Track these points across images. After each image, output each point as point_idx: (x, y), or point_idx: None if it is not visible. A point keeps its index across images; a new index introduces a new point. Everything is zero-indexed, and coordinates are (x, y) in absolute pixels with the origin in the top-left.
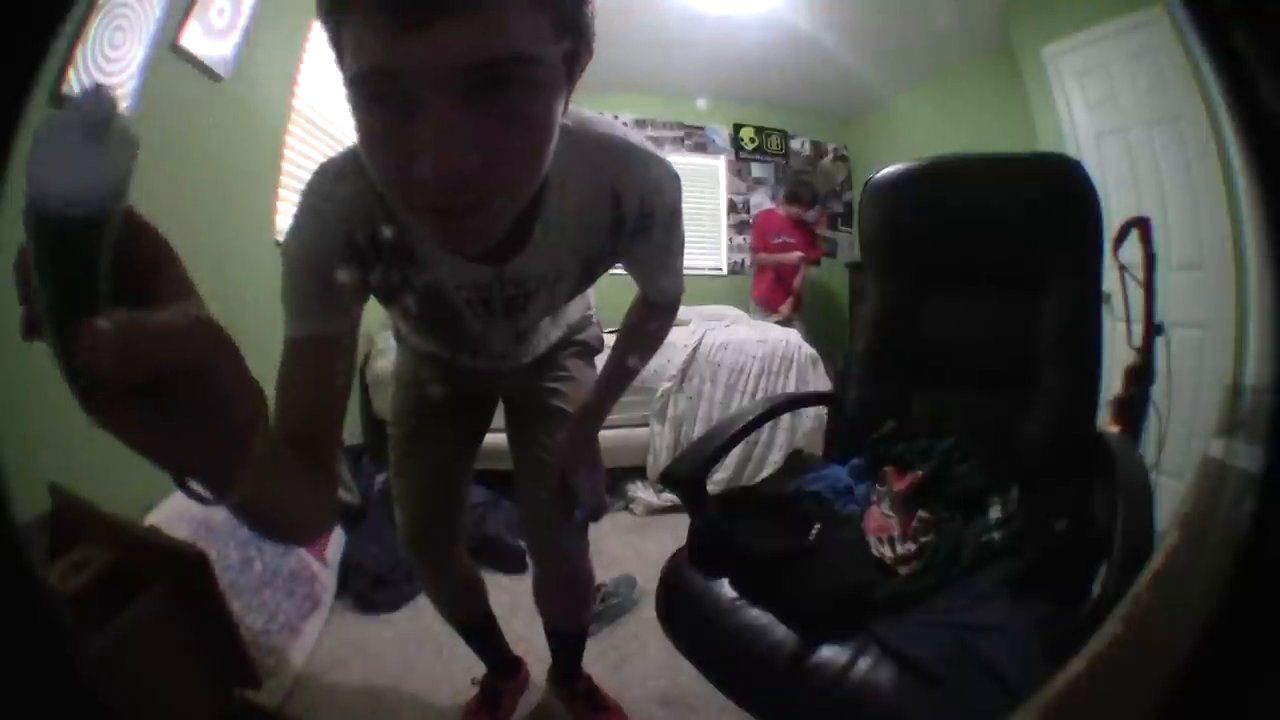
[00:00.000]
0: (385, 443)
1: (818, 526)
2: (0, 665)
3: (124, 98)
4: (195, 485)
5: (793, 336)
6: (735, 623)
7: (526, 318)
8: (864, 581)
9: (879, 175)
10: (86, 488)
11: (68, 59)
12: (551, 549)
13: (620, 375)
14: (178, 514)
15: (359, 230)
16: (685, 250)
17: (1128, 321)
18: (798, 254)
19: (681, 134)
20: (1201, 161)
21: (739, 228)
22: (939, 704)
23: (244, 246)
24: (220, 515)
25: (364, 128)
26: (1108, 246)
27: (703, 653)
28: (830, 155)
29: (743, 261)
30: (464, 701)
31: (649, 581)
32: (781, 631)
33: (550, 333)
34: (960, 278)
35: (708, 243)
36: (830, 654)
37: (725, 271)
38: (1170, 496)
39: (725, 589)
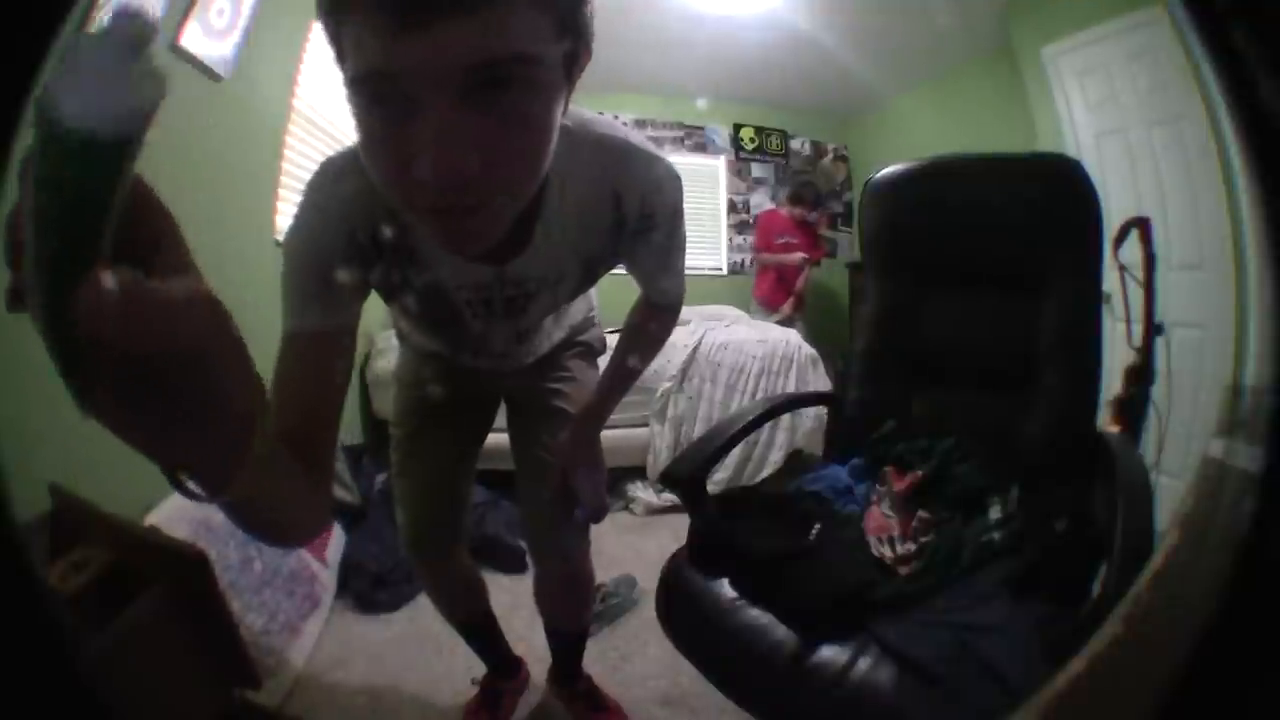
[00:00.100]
0: (385, 443)
1: (818, 526)
2: (0, 665)
3: None
4: (189, 482)
5: (793, 336)
6: (735, 623)
7: (527, 318)
8: (864, 581)
9: (879, 175)
10: (86, 488)
11: None
12: (552, 549)
13: (622, 376)
14: (178, 514)
15: (361, 227)
16: (687, 251)
17: (1128, 321)
18: (800, 255)
19: (681, 134)
20: (1201, 161)
21: (739, 228)
22: (939, 704)
23: (244, 246)
24: (220, 515)
25: (364, 128)
26: (1108, 246)
27: (703, 653)
28: (830, 155)
29: (743, 261)
30: (464, 701)
31: (649, 581)
32: (781, 631)
33: (553, 333)
34: (960, 278)
35: (708, 243)
36: (830, 654)
37: (725, 271)
38: (1170, 496)
39: (725, 589)
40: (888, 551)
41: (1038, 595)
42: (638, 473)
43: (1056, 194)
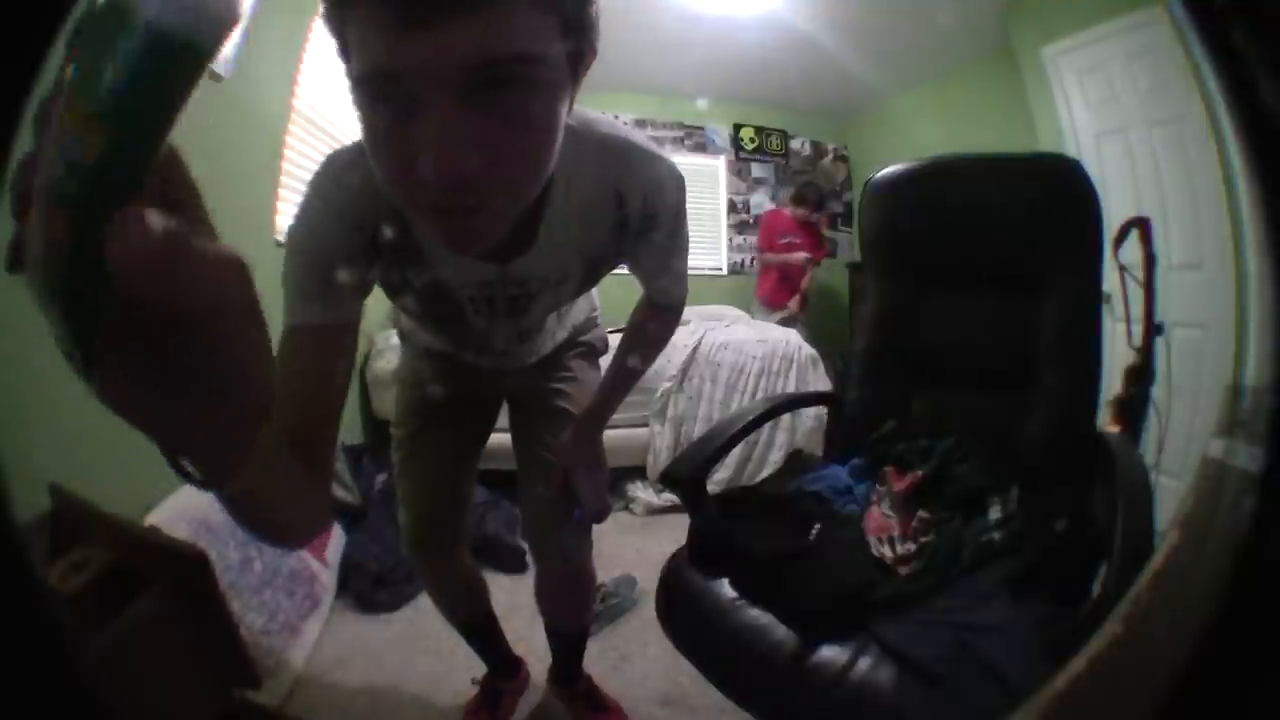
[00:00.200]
0: (385, 443)
1: (818, 526)
2: (0, 665)
3: None
4: (190, 467)
5: (793, 336)
6: (735, 623)
7: (529, 317)
8: (864, 581)
9: (879, 175)
10: (86, 488)
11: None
12: (554, 549)
13: (624, 376)
14: (178, 514)
15: (365, 221)
16: (689, 251)
17: (1128, 321)
18: (803, 254)
19: (681, 134)
20: (1201, 161)
21: (739, 228)
22: (939, 704)
23: (244, 246)
24: (220, 515)
25: (368, 127)
26: (1108, 246)
27: (703, 653)
28: (830, 155)
29: (743, 262)
30: (464, 701)
31: (649, 581)
32: (781, 631)
33: (555, 333)
34: (960, 278)
35: (708, 243)
36: (830, 654)
37: (725, 271)
38: (1170, 496)
39: (725, 589)
40: (888, 551)
41: (1038, 595)
42: (638, 473)
43: (1056, 194)
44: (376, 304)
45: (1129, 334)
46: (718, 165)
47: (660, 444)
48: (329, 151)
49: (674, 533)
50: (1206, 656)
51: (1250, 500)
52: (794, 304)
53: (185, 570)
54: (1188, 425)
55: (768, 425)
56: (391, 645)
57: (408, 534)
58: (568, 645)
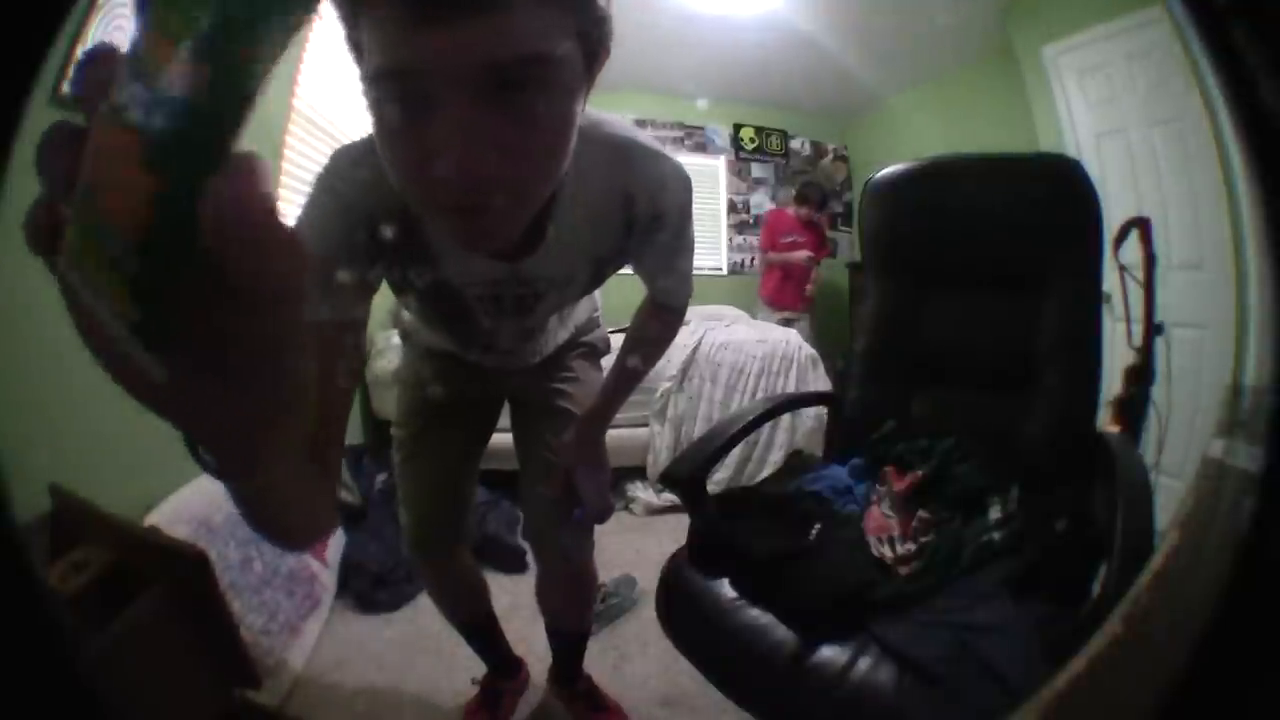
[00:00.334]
0: (386, 443)
1: (818, 526)
2: (0, 665)
3: None
4: (209, 456)
5: (793, 336)
6: (735, 623)
7: (534, 317)
8: (864, 581)
9: (879, 175)
10: (86, 488)
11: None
12: (556, 549)
13: (627, 377)
14: (178, 514)
15: (372, 219)
16: (695, 253)
17: (1128, 321)
18: (805, 252)
19: (681, 134)
20: (1201, 161)
21: (739, 228)
22: (939, 704)
23: None
24: (220, 515)
25: (381, 125)
26: (1108, 247)
27: (703, 653)
28: (830, 155)
29: (743, 262)
30: (464, 701)
31: (649, 581)
32: (781, 631)
33: (558, 334)
34: (960, 278)
35: (708, 243)
36: (830, 654)
37: (725, 271)
38: (1170, 496)
39: (725, 589)
40: (888, 551)
41: (1038, 595)
42: (638, 473)
43: (1056, 194)
44: (377, 304)
45: (1129, 334)
46: (718, 165)
47: (660, 444)
48: (330, 151)
49: (674, 533)
50: (1206, 656)
51: (1250, 500)
52: (802, 306)
53: (185, 570)
54: (1188, 425)
55: (768, 425)
56: (391, 645)
57: (409, 534)
58: (568, 645)
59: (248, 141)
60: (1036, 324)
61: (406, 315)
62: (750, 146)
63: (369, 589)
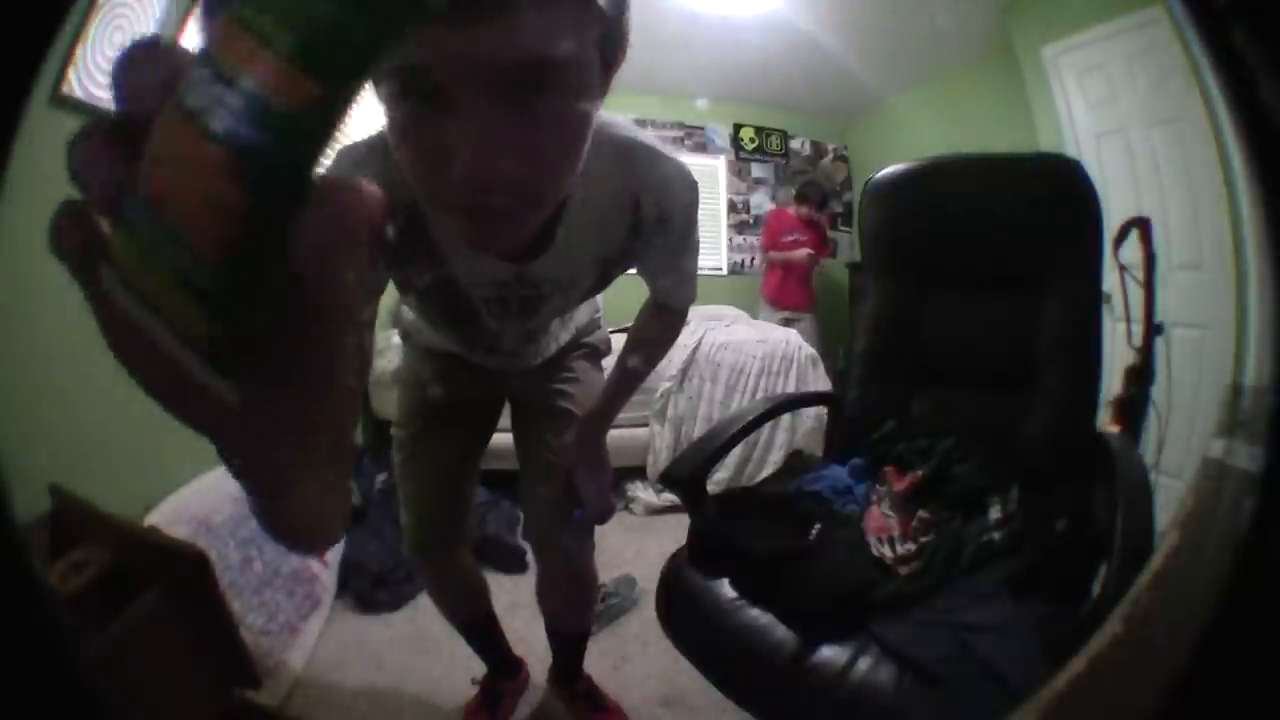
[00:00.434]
0: (386, 443)
1: (818, 526)
2: (0, 665)
3: None
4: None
5: (793, 336)
6: (735, 623)
7: (540, 318)
8: (864, 581)
9: (879, 175)
10: (86, 488)
11: (68, 59)
12: (556, 549)
13: (628, 378)
14: (178, 514)
15: None
16: (700, 255)
17: (1128, 321)
18: (807, 250)
19: (681, 134)
20: (1201, 161)
21: (739, 228)
22: (939, 704)
23: None
24: (220, 515)
25: (397, 124)
26: (1108, 246)
27: (703, 653)
28: (830, 155)
29: (743, 262)
30: (464, 701)
31: (649, 581)
32: (781, 631)
33: (559, 335)
34: (960, 278)
35: (708, 243)
36: (830, 654)
37: (725, 272)
38: (1170, 496)
39: (725, 589)
40: (888, 551)
41: (1038, 595)
42: (638, 473)
43: (1056, 194)
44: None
45: (1129, 334)
46: (718, 165)
47: (660, 444)
48: (332, 151)
49: (674, 533)
50: (1206, 656)
51: (1250, 500)
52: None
53: (185, 570)
54: (1188, 425)
55: (768, 425)
56: (391, 645)
57: (410, 535)
58: (569, 646)
59: None
60: (1037, 324)
61: (407, 315)
62: (750, 146)
63: (369, 589)
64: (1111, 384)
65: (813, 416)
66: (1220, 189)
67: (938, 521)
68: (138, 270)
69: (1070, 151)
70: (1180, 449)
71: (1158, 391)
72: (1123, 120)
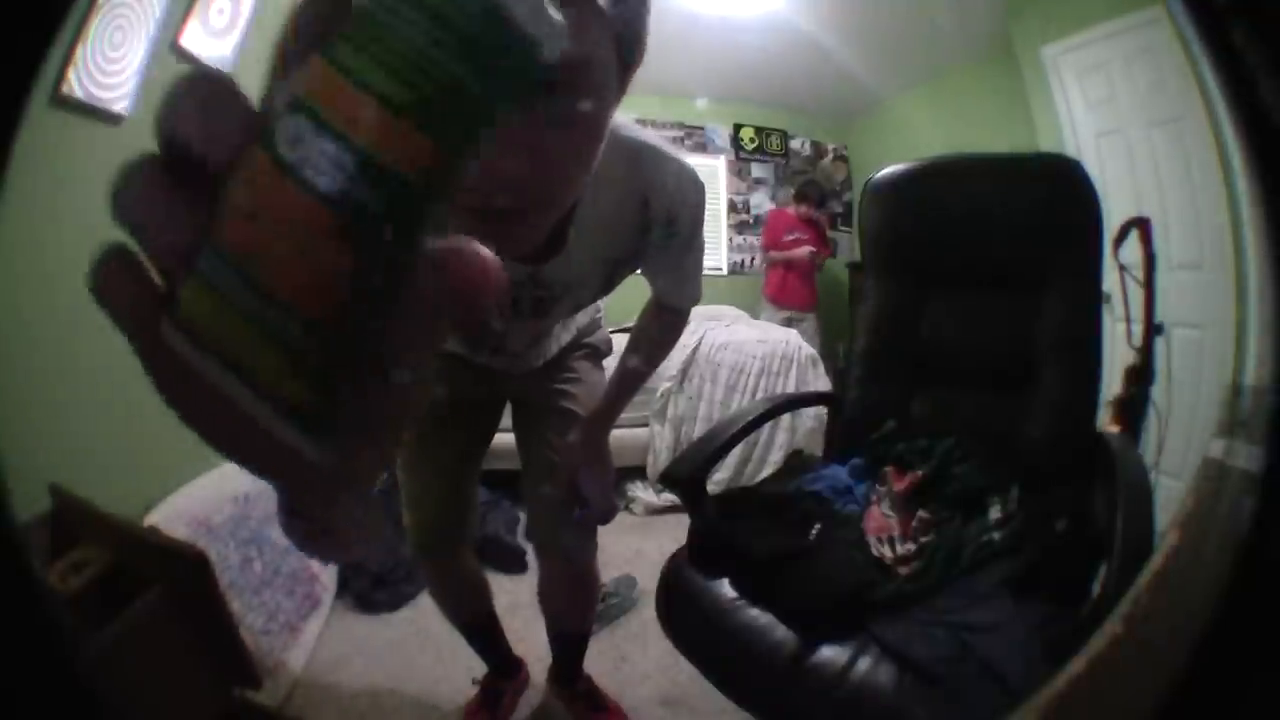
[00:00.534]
0: None
1: (818, 526)
2: (0, 665)
3: (124, 98)
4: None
5: (793, 337)
6: (735, 623)
7: (549, 319)
8: (864, 581)
9: (879, 176)
10: (86, 488)
11: (68, 59)
12: (559, 549)
13: (631, 378)
14: (178, 514)
15: None
16: (704, 255)
17: (1128, 321)
18: (808, 248)
19: (681, 134)
20: (1201, 161)
21: (739, 228)
22: (939, 704)
23: None
24: (220, 515)
25: None
26: (1108, 246)
27: (703, 653)
28: (830, 155)
29: (743, 262)
30: (464, 701)
31: (649, 581)
32: (781, 631)
33: (561, 336)
34: (960, 278)
35: (708, 243)
36: (830, 654)
37: (725, 272)
38: (1170, 496)
39: (725, 589)
40: (888, 551)
41: (1038, 595)
42: (638, 473)
43: (1056, 194)
44: None
45: (1129, 334)
46: (718, 165)
47: (660, 444)
48: None
49: (674, 533)
50: (1206, 656)
51: (1250, 500)
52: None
53: (185, 570)
54: (1188, 425)
55: (768, 425)
56: (391, 645)
57: (413, 536)
58: (569, 646)
59: None
60: (1036, 324)
61: None
62: (750, 146)
63: (369, 589)
64: (1111, 384)
65: (813, 416)
66: (1220, 189)
67: (938, 521)
68: (214, 327)
69: (1070, 151)
70: (1180, 449)
71: (1158, 391)
72: (1123, 120)
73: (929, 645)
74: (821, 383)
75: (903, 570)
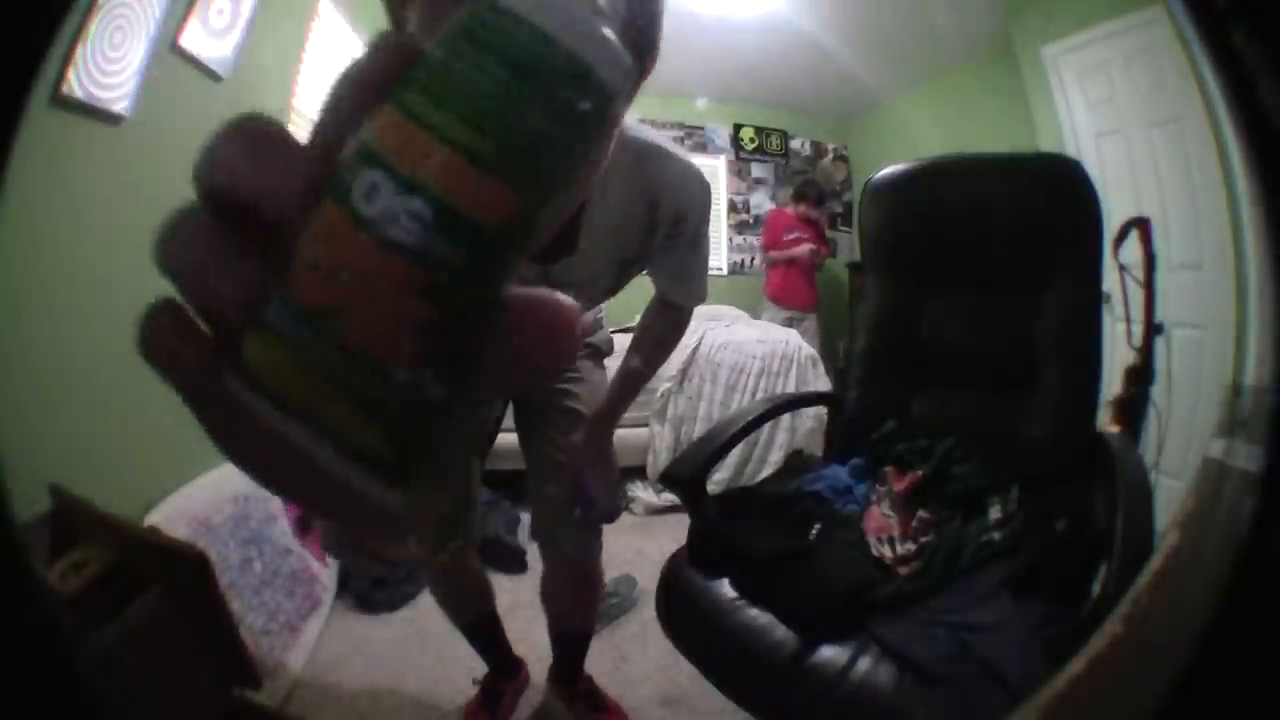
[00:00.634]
0: None
1: (818, 526)
2: (0, 665)
3: (124, 97)
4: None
5: (793, 337)
6: (735, 623)
7: None
8: (864, 581)
9: (879, 176)
10: (86, 488)
11: (68, 59)
12: (563, 549)
13: (634, 377)
14: (178, 514)
15: None
16: (710, 255)
17: (1128, 321)
18: (809, 246)
19: (681, 134)
20: (1201, 161)
21: (739, 228)
22: (939, 704)
23: None
24: (220, 515)
25: None
26: (1108, 247)
27: (703, 653)
28: (830, 155)
29: (743, 262)
30: (464, 701)
31: (649, 581)
32: (781, 631)
33: None
34: (960, 278)
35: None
36: (830, 654)
37: (725, 272)
38: (1170, 496)
39: (725, 589)
40: (888, 551)
41: (1038, 595)
42: (638, 473)
43: (1057, 194)
44: None
45: (1129, 334)
46: (718, 165)
47: (660, 444)
48: None
49: (674, 533)
50: (1206, 656)
51: (1250, 500)
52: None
53: (185, 570)
54: (1188, 425)
55: (768, 425)
56: (391, 645)
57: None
58: (571, 645)
59: None
60: (1036, 324)
61: None
62: (750, 146)
63: (369, 589)
64: (1111, 384)
65: (813, 416)
66: (1220, 189)
67: (938, 521)
68: (286, 379)
69: (1070, 151)
70: (1180, 449)
71: (1158, 391)
72: (1123, 120)
73: (929, 645)
74: (821, 383)
75: (903, 570)
